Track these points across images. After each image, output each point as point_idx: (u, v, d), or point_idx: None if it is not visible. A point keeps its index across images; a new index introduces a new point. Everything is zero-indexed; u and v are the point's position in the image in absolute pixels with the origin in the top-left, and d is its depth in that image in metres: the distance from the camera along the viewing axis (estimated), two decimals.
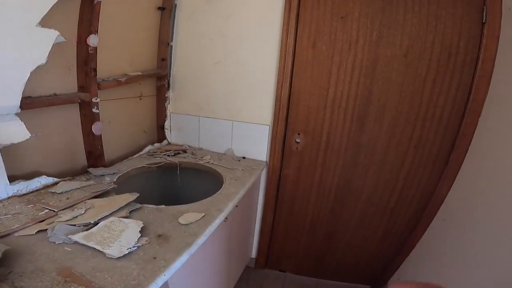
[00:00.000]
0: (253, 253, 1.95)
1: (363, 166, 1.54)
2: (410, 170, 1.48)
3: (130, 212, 0.94)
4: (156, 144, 1.70)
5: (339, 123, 1.50)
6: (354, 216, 1.66)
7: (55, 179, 1.09)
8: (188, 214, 0.97)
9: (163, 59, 1.65)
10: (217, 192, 1.19)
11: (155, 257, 0.74)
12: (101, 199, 1.00)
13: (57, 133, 1.14)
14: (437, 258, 1.32)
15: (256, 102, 1.59)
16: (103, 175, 1.23)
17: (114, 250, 0.73)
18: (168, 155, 1.57)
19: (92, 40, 1.12)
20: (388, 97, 1.40)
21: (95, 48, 1.14)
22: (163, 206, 1.01)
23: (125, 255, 0.72)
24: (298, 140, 1.57)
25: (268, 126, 1.60)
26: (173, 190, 1.56)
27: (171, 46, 1.65)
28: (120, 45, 1.37)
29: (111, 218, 0.87)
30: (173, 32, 1.62)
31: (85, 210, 0.90)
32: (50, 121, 1.10)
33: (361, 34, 1.36)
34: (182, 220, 0.93)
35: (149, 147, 1.63)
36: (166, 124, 1.76)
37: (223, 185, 1.26)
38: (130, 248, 0.75)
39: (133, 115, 1.54)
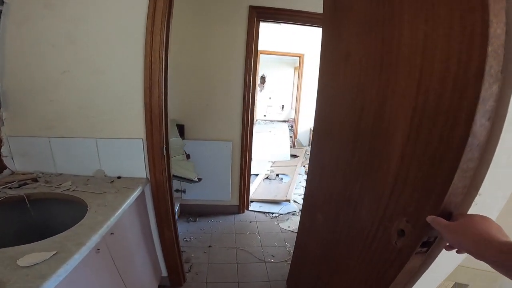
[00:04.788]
0: (163, 272, 1.86)
1: None
2: None
3: None
4: None
5: None
6: None
7: None
8: (32, 254, 0.82)
9: None
10: (77, 224, 1.02)
11: None
12: None
13: None
14: None
15: (122, 114, 1.45)
16: None
17: None
18: (10, 188, 1.25)
19: None
20: None
21: None
22: None
23: None
24: None
25: (142, 140, 1.48)
26: (26, 229, 1.24)
27: None
28: None
29: None
30: None
31: None
32: None
33: None
34: (21, 262, 0.78)
35: None
36: (4, 150, 1.39)
37: (87, 214, 1.10)
38: None
39: None
